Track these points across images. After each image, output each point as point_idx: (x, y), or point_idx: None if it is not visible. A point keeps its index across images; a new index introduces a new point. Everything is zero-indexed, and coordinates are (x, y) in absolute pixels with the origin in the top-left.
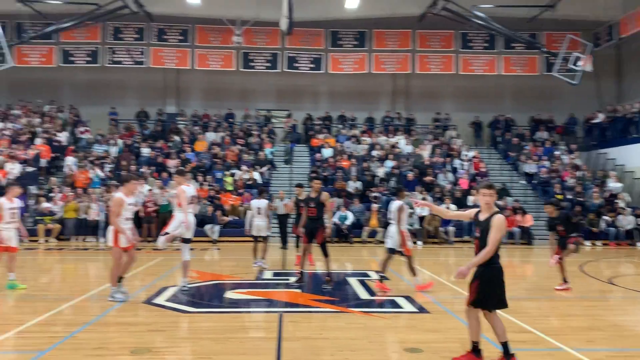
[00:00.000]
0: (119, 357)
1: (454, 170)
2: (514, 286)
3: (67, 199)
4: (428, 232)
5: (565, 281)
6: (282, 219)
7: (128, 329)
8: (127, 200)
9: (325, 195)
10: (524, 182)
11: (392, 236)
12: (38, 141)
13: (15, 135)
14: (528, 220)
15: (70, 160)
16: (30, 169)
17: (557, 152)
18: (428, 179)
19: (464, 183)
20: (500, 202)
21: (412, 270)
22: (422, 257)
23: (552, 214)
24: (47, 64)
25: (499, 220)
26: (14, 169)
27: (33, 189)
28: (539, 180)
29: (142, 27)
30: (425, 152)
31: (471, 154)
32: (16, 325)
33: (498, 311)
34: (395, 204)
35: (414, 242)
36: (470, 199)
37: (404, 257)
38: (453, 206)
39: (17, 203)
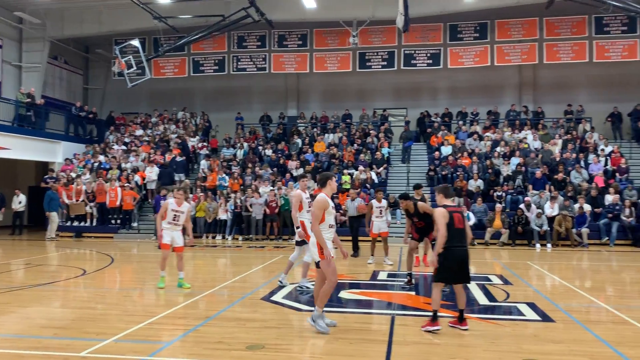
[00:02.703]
0: (235, 352)
1: (589, 167)
2: None
3: (198, 199)
4: (559, 234)
5: None
6: (352, 222)
7: (246, 325)
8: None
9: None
10: None
11: None
12: (172, 146)
13: (154, 141)
14: None
15: (203, 164)
16: (182, 158)
17: None
18: (559, 176)
19: (600, 181)
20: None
21: None
22: (552, 262)
23: None
24: (180, 74)
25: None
26: (152, 172)
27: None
28: None
29: (263, 34)
30: (556, 147)
31: (609, 148)
32: (150, 317)
33: None
34: None
35: (543, 245)
36: (609, 198)
37: None
38: (587, 206)
39: (184, 207)
